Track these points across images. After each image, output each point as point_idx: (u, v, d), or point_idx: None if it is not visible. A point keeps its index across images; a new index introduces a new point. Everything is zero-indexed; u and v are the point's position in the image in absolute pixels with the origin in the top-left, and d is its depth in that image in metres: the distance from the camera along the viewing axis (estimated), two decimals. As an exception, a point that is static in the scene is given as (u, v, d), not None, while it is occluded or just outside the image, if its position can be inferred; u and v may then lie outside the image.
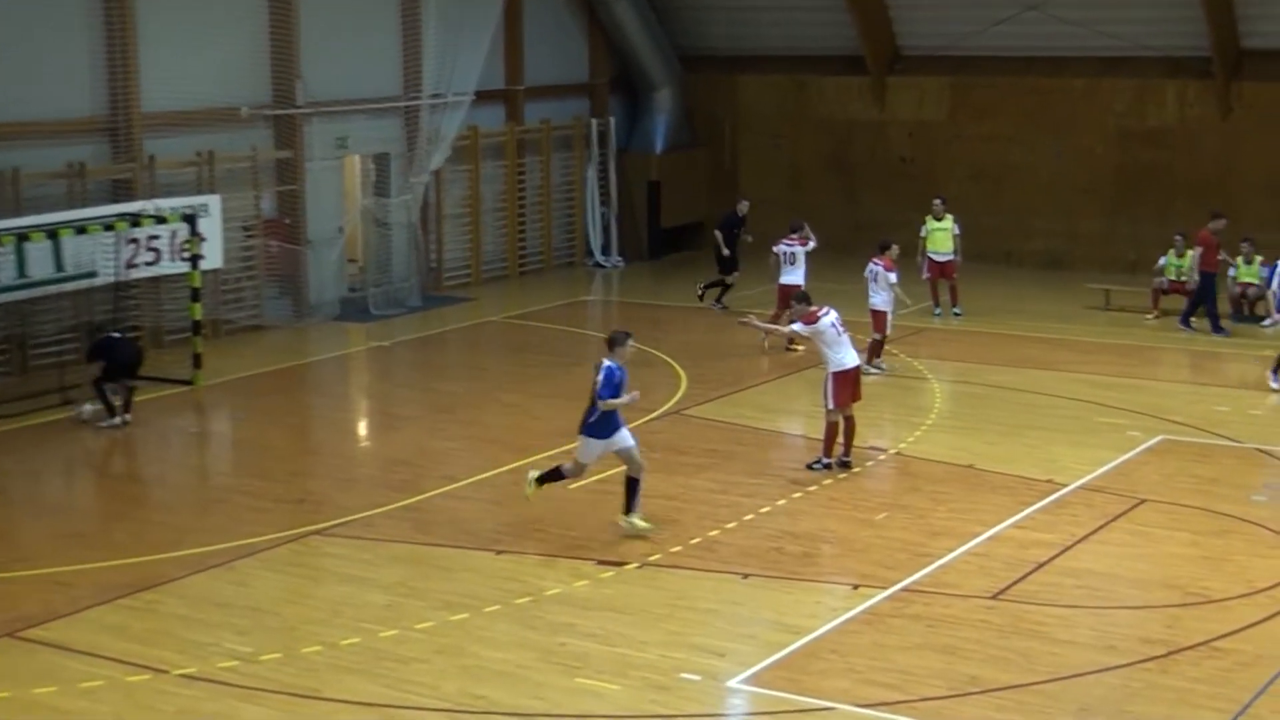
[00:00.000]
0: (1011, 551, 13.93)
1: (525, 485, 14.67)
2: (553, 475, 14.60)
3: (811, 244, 23.44)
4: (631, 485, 14.31)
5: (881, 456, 17.09)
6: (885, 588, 13.02)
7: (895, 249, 21.50)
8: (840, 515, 15.07)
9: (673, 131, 31.94)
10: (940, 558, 13.75)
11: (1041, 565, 13.53)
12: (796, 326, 16.69)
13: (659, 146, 31.66)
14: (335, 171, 25.99)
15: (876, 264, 21.08)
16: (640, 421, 18.65)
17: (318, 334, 24.21)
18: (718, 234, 25.78)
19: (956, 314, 24.85)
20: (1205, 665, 11.34)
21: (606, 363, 14.16)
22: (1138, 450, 17.22)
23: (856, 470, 16.50)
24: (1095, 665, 11.35)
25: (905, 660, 11.53)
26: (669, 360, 22.00)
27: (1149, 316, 25.23)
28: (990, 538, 14.32)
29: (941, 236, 25.24)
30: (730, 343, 22.60)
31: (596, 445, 14.25)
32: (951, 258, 25.17)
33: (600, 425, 14.16)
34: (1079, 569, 13.48)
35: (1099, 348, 22.88)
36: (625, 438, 14.28)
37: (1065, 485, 15.91)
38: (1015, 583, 13.12)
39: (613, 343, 14.41)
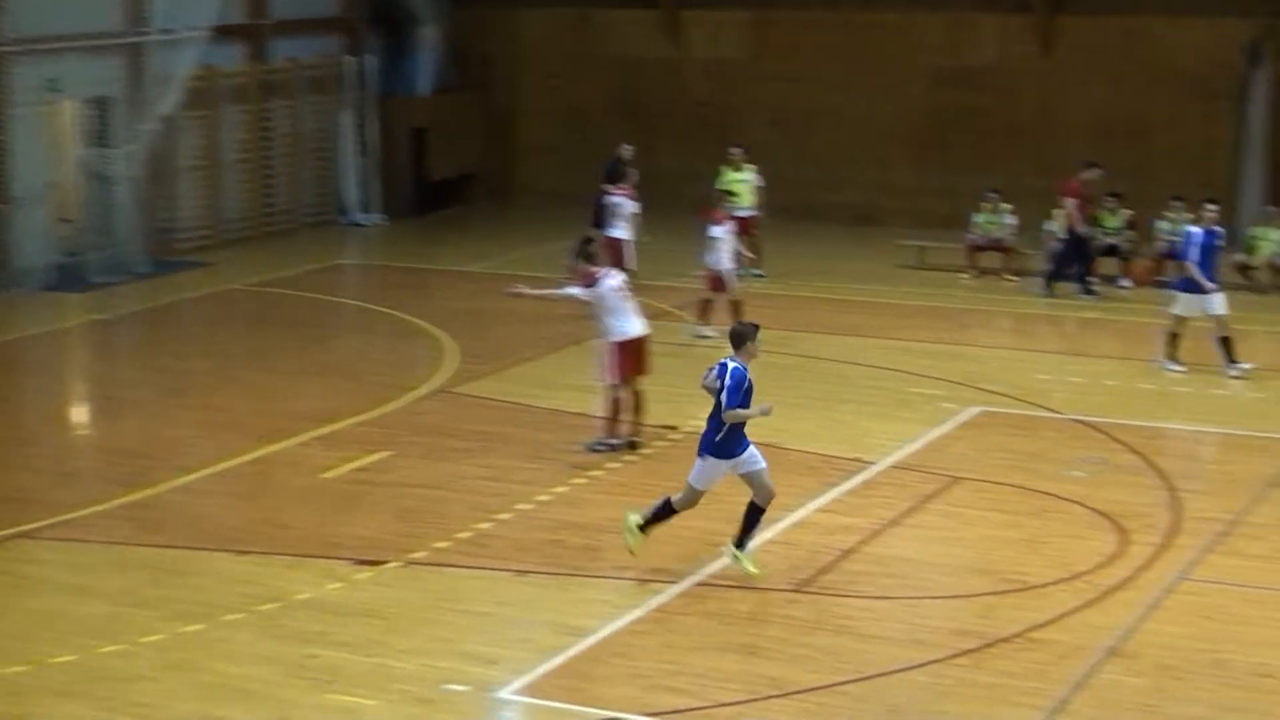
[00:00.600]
0: (816, 538, 14.13)
1: (625, 535, 13.32)
2: (662, 513, 13.28)
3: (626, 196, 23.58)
4: (753, 514, 13.11)
5: (675, 436, 17.16)
6: (677, 582, 13.10)
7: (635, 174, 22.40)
8: (628, 503, 15.04)
9: (441, 72, 31.68)
10: (738, 547, 13.87)
11: (848, 553, 13.75)
12: (573, 290, 16.65)
13: (425, 89, 31.36)
14: (45, 118, 25.19)
15: (613, 194, 21.56)
16: (402, 401, 18.51)
17: (25, 306, 23.53)
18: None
19: (757, 275, 25.10)
20: (1021, 658, 11.64)
21: (731, 364, 12.93)
22: (952, 423, 17.62)
23: (646, 452, 16.56)
24: (905, 662, 11.57)
25: (699, 662, 11.61)
26: (436, 331, 21.85)
27: (966, 276, 25.82)
28: (793, 524, 14.50)
29: (741, 189, 25.47)
30: (505, 311, 22.46)
31: (721, 466, 13.01)
32: (752, 213, 25.41)
33: (727, 443, 12.90)
34: (888, 556, 13.74)
35: (913, 311, 23.35)
36: (755, 458, 13.05)
37: (874, 464, 16.21)
38: (820, 573, 13.32)
39: (738, 338, 13.11)
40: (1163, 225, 25.29)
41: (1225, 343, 19.83)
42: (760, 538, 13.97)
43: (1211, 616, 12.39)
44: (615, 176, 23.98)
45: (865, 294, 24.47)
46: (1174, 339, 20.03)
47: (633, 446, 16.55)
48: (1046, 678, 11.30)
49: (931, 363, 20.27)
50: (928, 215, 29.03)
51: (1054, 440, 17.10)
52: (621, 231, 23.29)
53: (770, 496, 13.14)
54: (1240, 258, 25.65)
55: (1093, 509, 14.83)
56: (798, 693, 11.09)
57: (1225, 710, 10.74)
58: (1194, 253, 19.82)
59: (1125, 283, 25.44)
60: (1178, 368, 19.86)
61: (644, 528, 13.28)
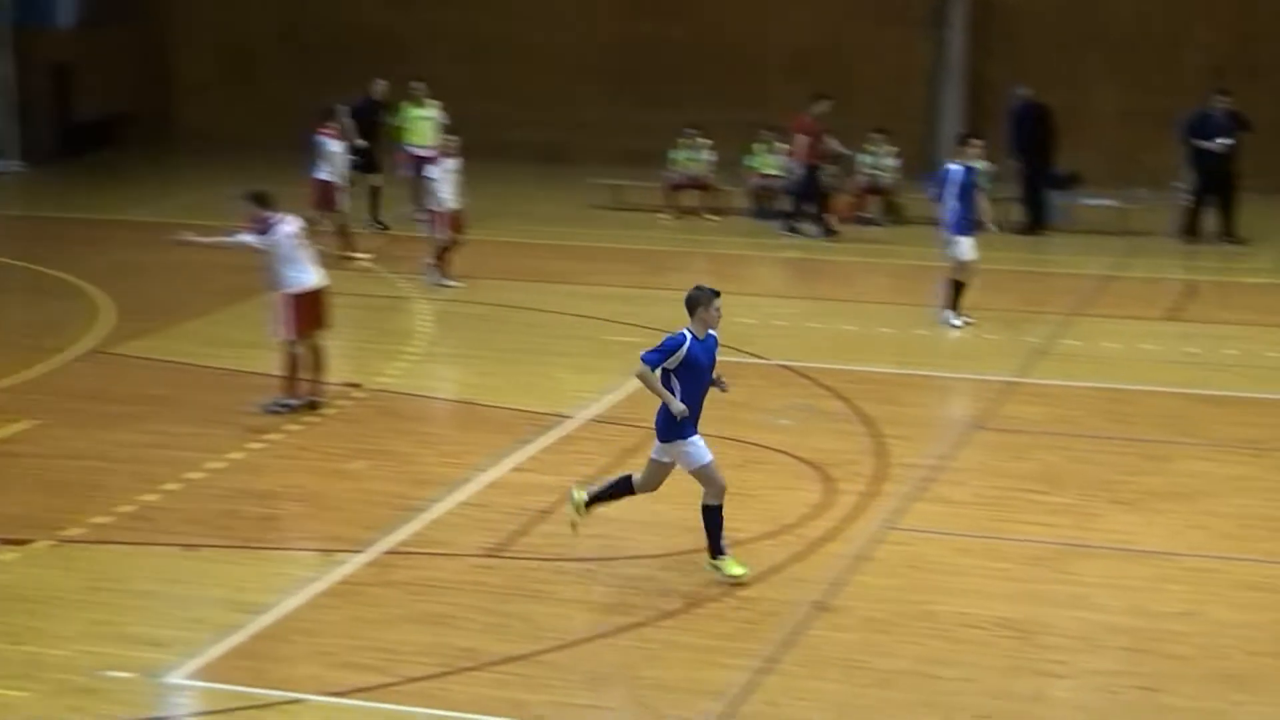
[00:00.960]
0: (511, 499, 14.24)
1: (568, 508, 13.01)
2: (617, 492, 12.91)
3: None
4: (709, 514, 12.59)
5: (358, 394, 17.09)
6: (362, 551, 13.07)
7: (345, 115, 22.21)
8: (308, 467, 15.00)
9: (85, 2, 30.74)
10: (427, 511, 13.91)
11: (545, 514, 13.89)
12: (245, 238, 16.40)
13: (67, 20, 30.40)
14: None
15: (323, 133, 21.42)
16: (49, 365, 18.02)
17: None
18: (347, 123, 24.52)
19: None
20: (729, 618, 11.93)
21: (682, 330, 12.34)
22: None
23: (328, 412, 16.46)
24: (608, 627, 11.75)
25: (388, 636, 11.61)
26: (88, 286, 21.28)
27: (664, 215, 26.19)
28: (487, 485, 14.59)
29: (423, 126, 25.37)
30: (167, 264, 22.00)
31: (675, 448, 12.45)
32: (435, 152, 25.33)
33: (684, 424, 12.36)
34: (589, 515, 13.89)
35: (609, 254, 23.62)
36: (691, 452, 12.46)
37: (572, 418, 16.37)
38: (515, 536, 13.43)
39: (690, 303, 12.41)
40: (864, 159, 26.06)
41: (957, 289, 20.05)
42: (450, 499, 14.05)
43: (919, 566, 12.86)
44: (327, 115, 23.61)
45: (558, 237, 24.67)
46: (959, 288, 20.01)
47: (313, 406, 16.42)
48: (754, 636, 11.60)
49: (631, 309, 20.53)
50: (623, 152, 29.35)
51: (759, 388, 17.50)
52: (327, 173, 22.99)
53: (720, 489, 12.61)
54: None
55: (799, 458, 15.25)
56: (494, 664, 11.17)
57: (932, 663, 11.16)
58: (951, 190, 19.70)
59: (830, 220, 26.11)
60: (959, 321, 19.95)
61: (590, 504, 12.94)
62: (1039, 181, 25.99)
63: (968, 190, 19.72)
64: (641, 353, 12.33)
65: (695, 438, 12.45)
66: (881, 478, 14.77)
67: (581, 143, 30.20)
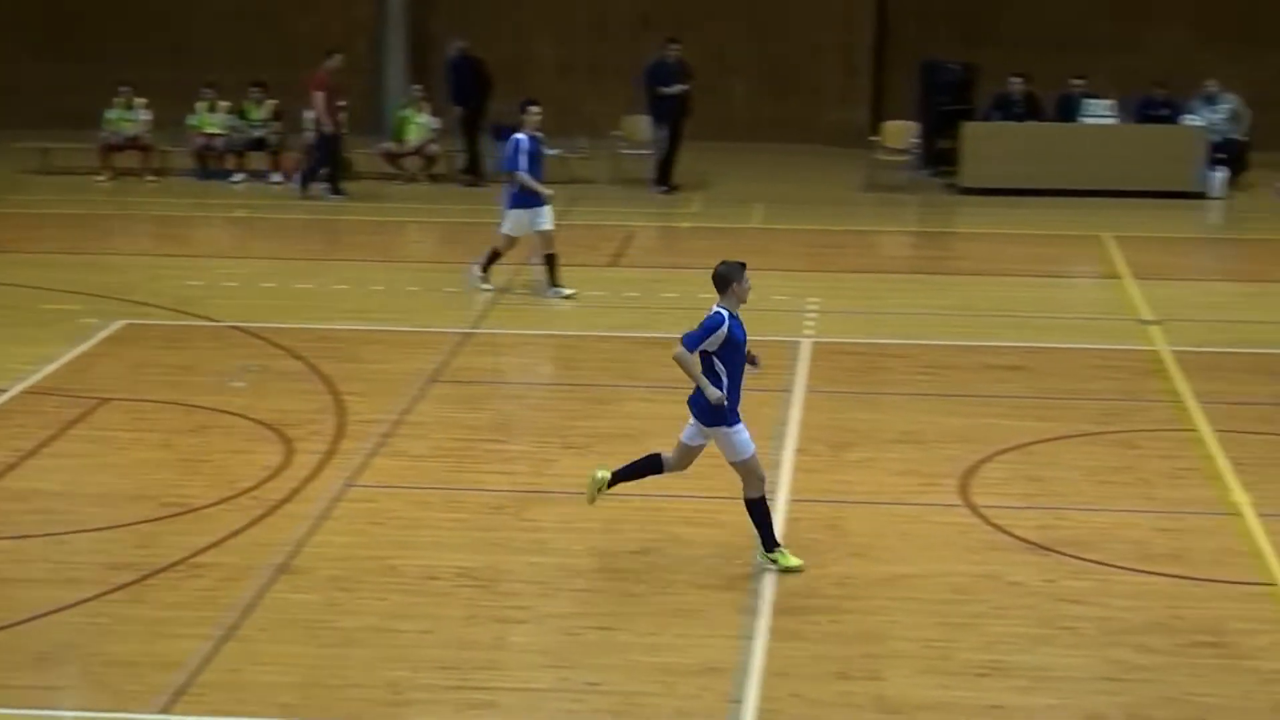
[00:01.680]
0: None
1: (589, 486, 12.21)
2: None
3: None
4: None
5: None
6: None
7: None
8: None
9: None
10: None
11: (-19, 492, 13.27)
12: None
13: None
14: None
15: None
16: None
17: None
18: None
19: None
20: (185, 586, 11.63)
21: (716, 309, 11.53)
22: (94, 340, 17.30)
23: None
24: (54, 603, 11.27)
25: None
26: None
27: (101, 178, 25.33)
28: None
29: None
30: None
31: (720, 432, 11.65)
32: None
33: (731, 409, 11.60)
34: (29, 490, 13.31)
35: (42, 220, 22.71)
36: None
37: (6, 390, 15.68)
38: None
39: (722, 280, 11.59)
40: (310, 115, 25.80)
41: (550, 261, 19.51)
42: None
43: (380, 522, 12.83)
44: None
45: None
46: (496, 256, 19.56)
47: None
48: (213, 604, 11.34)
49: (67, 275, 19.83)
50: (54, 113, 28.11)
51: (210, 351, 17.13)
52: None
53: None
54: (388, 145, 26.60)
55: (255, 420, 15.00)
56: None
57: (395, 617, 11.15)
58: (523, 161, 18.97)
59: (276, 177, 25.82)
60: (489, 287, 19.55)
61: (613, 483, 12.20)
62: (476, 132, 26.37)
63: (536, 160, 19.18)
64: (681, 335, 11.64)
65: (740, 426, 11.70)
66: (341, 435, 14.66)
67: (8, 103, 28.80)
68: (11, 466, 13.80)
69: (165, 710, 9.91)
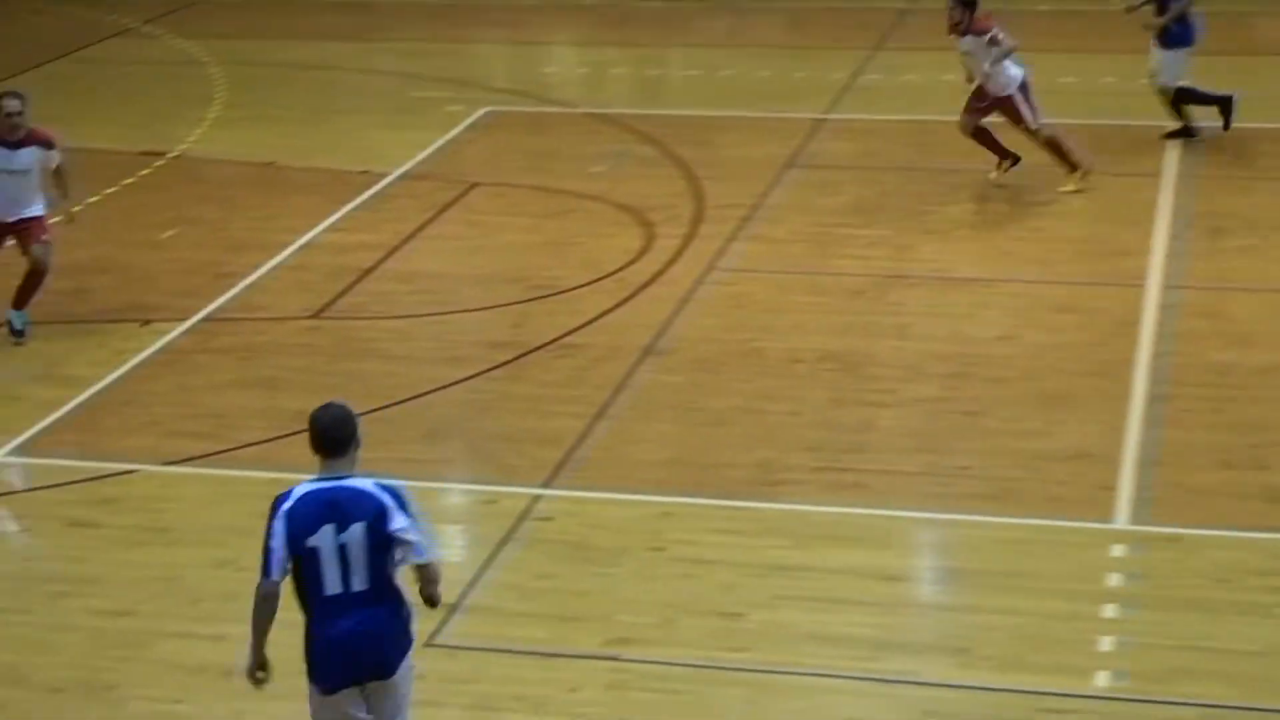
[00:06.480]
0: (331, 260, 14.04)
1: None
2: None
3: None
4: None
5: (159, 163, 16.64)
6: (184, 319, 12.83)
7: None
8: (116, 239, 14.63)
9: None
10: (246, 276, 13.68)
11: (368, 272, 13.73)
12: None
13: None
14: None
15: None
16: None
17: None
18: None
19: None
20: (558, 365, 11.94)
21: None
22: (461, 127, 17.64)
23: (127, 181, 16.01)
24: (440, 380, 11.71)
25: (217, 402, 11.48)
26: None
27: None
28: (304, 246, 14.36)
29: None
30: None
31: None
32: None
33: None
34: (411, 272, 13.78)
35: (402, 9, 23.07)
36: None
37: (384, 176, 16.12)
38: (339, 296, 13.27)
39: None
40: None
41: None
42: (268, 264, 13.86)
43: (742, 305, 12.95)
44: None
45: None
46: None
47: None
48: (585, 383, 11.64)
49: (431, 63, 20.17)
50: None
51: (570, 136, 17.35)
52: None
53: None
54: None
55: (615, 204, 15.19)
56: (328, 424, 11.07)
57: (761, 398, 11.29)
58: None
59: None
60: None
61: None
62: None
63: None
64: None
65: None
66: (699, 219, 14.77)
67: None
68: (394, 249, 14.26)
69: (547, 484, 10.26)
